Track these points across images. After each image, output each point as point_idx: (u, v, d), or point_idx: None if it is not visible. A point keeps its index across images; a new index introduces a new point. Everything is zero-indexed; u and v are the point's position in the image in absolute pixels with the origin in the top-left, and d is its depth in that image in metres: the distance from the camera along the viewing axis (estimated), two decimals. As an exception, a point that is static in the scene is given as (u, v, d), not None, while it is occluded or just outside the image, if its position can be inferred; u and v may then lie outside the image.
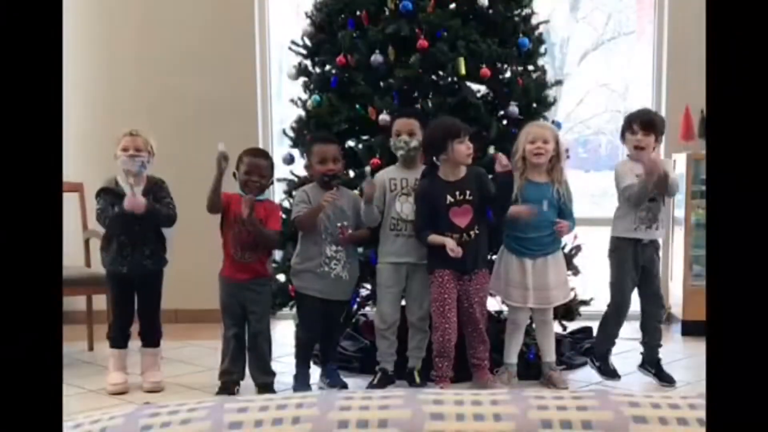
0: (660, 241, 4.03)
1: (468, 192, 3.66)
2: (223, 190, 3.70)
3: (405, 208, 3.78)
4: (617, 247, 3.96)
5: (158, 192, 3.88)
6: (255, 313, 3.76)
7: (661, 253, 4.09)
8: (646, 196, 3.83)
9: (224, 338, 3.79)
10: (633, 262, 3.92)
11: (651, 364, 4.01)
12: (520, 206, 3.75)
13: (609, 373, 4.02)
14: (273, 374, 3.83)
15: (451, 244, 3.57)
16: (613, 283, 3.98)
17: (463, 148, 3.63)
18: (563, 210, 3.87)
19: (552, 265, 3.84)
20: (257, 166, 3.75)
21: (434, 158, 3.68)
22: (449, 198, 3.63)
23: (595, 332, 4.69)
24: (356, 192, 3.89)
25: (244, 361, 3.79)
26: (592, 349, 4.46)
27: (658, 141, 3.94)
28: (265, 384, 3.76)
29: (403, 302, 3.88)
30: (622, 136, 3.95)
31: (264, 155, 3.86)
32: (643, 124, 3.86)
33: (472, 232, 3.66)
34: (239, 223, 3.67)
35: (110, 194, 3.83)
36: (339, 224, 3.74)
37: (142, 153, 3.84)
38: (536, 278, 3.80)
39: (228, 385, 3.75)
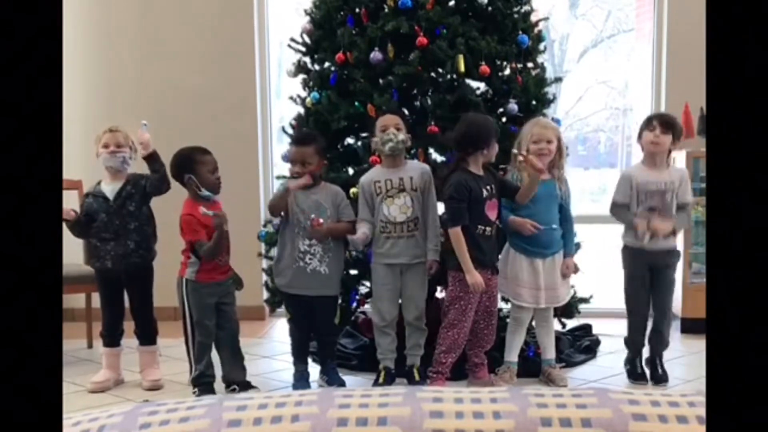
0: (676, 248, 3.98)
1: (494, 187, 3.68)
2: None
3: (392, 210, 3.75)
4: (625, 254, 3.98)
5: (144, 182, 3.88)
6: (229, 305, 3.72)
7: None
8: (623, 217, 3.90)
9: (200, 344, 3.66)
10: (642, 270, 3.92)
11: (649, 361, 4.02)
12: (524, 220, 3.74)
13: (636, 376, 3.99)
14: (246, 370, 3.80)
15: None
16: (625, 290, 4.02)
17: (497, 147, 3.68)
18: (563, 209, 3.87)
19: (559, 263, 3.86)
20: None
21: (469, 152, 3.64)
22: (485, 191, 3.64)
23: (594, 330, 4.72)
24: (338, 188, 3.85)
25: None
26: (590, 346, 4.47)
27: (675, 144, 3.92)
28: (245, 382, 3.73)
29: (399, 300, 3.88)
30: (639, 136, 3.94)
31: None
32: (662, 122, 3.86)
33: (498, 223, 3.70)
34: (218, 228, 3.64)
35: (89, 200, 3.89)
36: (312, 216, 3.68)
37: (123, 149, 3.87)
38: (547, 278, 3.81)
39: (210, 387, 3.69)
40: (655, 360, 4.00)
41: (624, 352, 4.10)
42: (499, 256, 3.84)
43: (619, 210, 3.93)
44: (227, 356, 3.73)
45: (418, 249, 3.76)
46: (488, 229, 3.65)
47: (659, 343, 4.01)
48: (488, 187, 3.65)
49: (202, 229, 3.59)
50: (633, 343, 4.03)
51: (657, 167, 3.89)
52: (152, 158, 3.85)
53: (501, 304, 4.14)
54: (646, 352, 4.05)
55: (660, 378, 3.94)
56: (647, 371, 4.00)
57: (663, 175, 3.88)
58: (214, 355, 3.74)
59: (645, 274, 3.92)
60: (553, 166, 3.83)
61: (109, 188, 3.89)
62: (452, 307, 3.65)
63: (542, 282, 3.79)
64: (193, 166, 3.65)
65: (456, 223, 3.60)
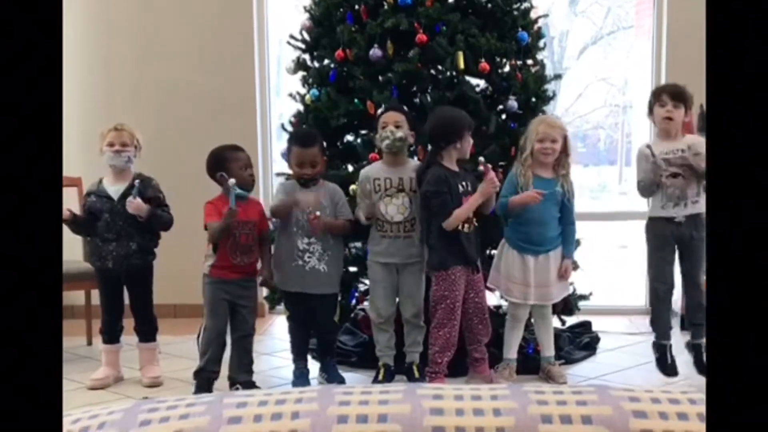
0: (701, 215, 3.79)
1: (469, 183, 3.66)
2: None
3: (390, 209, 3.75)
4: (650, 226, 3.89)
5: (150, 192, 3.87)
6: (245, 307, 3.70)
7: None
8: (649, 186, 3.80)
9: (206, 338, 3.66)
10: (668, 241, 3.83)
11: (693, 346, 3.90)
12: (529, 192, 3.68)
13: (666, 368, 3.88)
14: (253, 372, 3.77)
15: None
16: (648, 263, 3.90)
17: (471, 142, 3.64)
18: (565, 207, 3.84)
19: (553, 260, 3.82)
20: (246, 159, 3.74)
21: (441, 146, 3.62)
22: (461, 186, 3.62)
23: (594, 327, 4.72)
24: (336, 186, 3.83)
25: (221, 360, 3.71)
26: (589, 344, 4.46)
27: (688, 114, 3.86)
28: (250, 382, 3.70)
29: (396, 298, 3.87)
30: (650, 111, 3.89)
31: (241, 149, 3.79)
32: (672, 95, 3.80)
33: (475, 222, 3.67)
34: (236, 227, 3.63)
35: (93, 199, 3.88)
36: (309, 211, 3.66)
37: (128, 148, 3.85)
38: (537, 275, 3.78)
39: (210, 382, 3.67)
40: (699, 346, 3.84)
41: (629, 349, 4.03)
42: (496, 250, 3.84)
43: (643, 185, 3.85)
44: (235, 357, 3.72)
45: (414, 249, 3.76)
46: (466, 226, 3.62)
47: (700, 318, 3.80)
48: (464, 183, 3.63)
49: (219, 217, 3.59)
50: (660, 320, 3.89)
51: (673, 138, 3.84)
52: (152, 218, 3.84)
53: (501, 302, 4.14)
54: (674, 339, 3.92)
55: (704, 367, 3.78)
56: (691, 358, 3.87)
57: (680, 143, 3.82)
58: (226, 354, 3.73)
59: (672, 246, 3.83)
60: (557, 165, 3.81)
61: (114, 188, 3.87)
62: (439, 307, 3.63)
63: (532, 279, 3.77)
64: (224, 164, 3.65)
65: (446, 216, 3.58)
